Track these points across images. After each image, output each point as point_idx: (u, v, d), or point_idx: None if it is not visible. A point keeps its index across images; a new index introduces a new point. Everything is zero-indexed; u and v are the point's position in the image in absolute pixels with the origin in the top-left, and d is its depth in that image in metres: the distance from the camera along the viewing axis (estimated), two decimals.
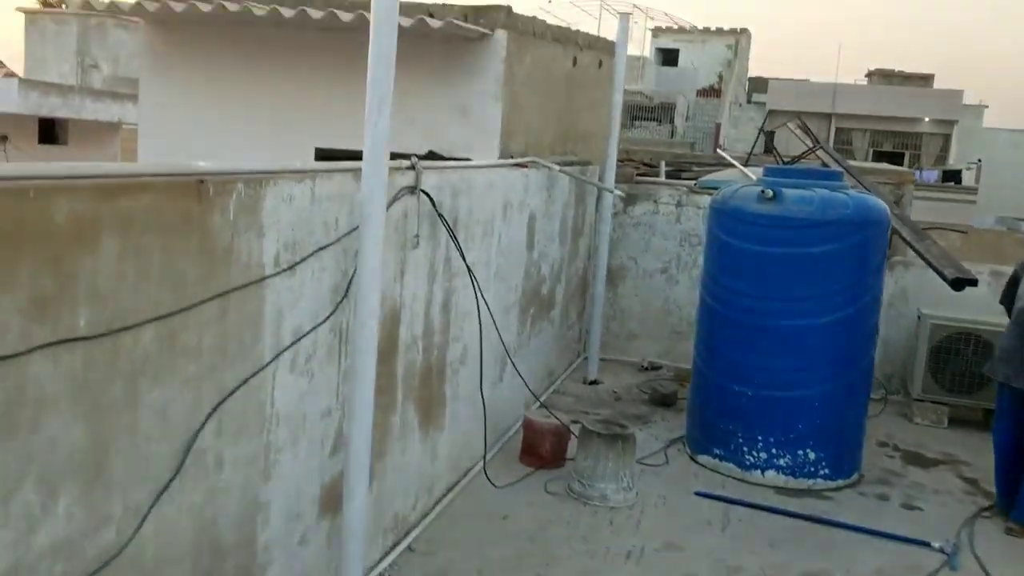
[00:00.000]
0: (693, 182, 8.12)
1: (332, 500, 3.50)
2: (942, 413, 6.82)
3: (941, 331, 6.78)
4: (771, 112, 34.42)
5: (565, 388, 7.13)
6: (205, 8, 5.23)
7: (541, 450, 5.39)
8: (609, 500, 4.91)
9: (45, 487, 2.05)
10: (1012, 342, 5.01)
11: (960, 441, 6.44)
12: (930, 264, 5.98)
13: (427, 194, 3.96)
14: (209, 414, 2.61)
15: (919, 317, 7.02)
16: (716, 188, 7.87)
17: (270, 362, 2.90)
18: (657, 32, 38.17)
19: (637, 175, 8.55)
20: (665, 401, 6.89)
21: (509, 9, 5.65)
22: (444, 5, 5.68)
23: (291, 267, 2.96)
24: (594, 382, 7.38)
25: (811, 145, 9.66)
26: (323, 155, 5.94)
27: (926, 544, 4.62)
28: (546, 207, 6.23)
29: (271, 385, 2.95)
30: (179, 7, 5.27)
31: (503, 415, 5.62)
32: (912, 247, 6.25)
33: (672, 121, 32.03)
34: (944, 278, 5.74)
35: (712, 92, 35.98)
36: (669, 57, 37.91)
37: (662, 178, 9.10)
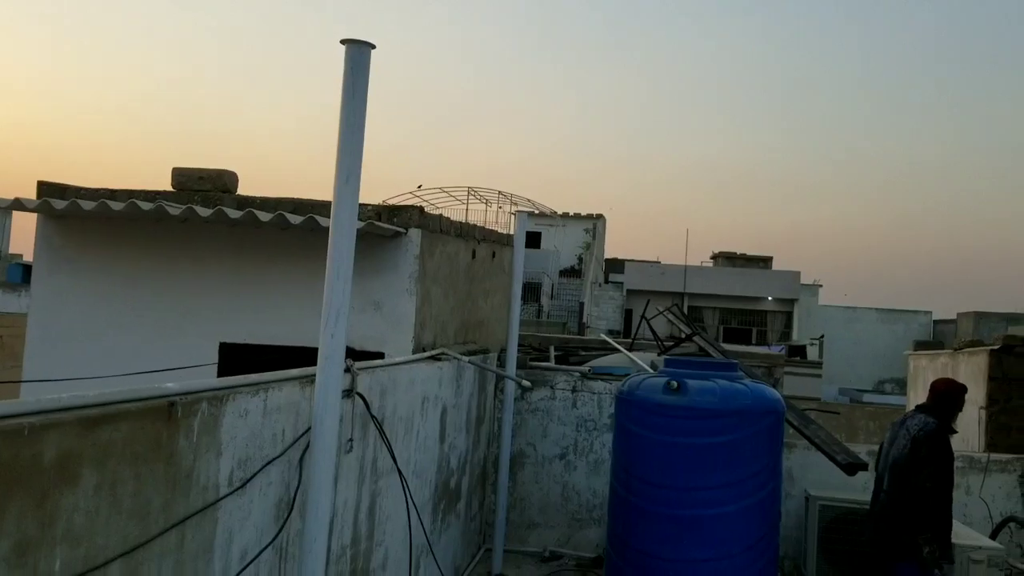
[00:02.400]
0: (586, 367, 8.37)
1: None
2: None
3: (829, 512, 7.06)
4: (629, 292, 36.33)
5: None
6: (117, 207, 5.18)
7: None
8: None
9: None
10: (870, 504, 5.59)
11: None
12: (821, 449, 6.32)
13: (362, 396, 3.94)
14: None
15: (807, 498, 7.31)
16: (609, 373, 8.17)
17: None
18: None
19: (529, 360, 8.75)
20: None
21: (421, 209, 5.88)
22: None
23: (243, 485, 2.86)
24: None
25: (687, 332, 10.22)
26: (228, 350, 5.82)
27: None
28: (455, 398, 6.26)
29: None
30: (89, 205, 5.20)
31: None
32: (801, 432, 6.61)
33: (538, 300, 33.13)
34: (837, 463, 6.07)
35: (573, 272, 37.70)
36: (532, 240, 39.67)
37: (552, 363, 9.35)
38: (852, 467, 6.02)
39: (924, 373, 12.09)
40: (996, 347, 9.40)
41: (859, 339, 38.32)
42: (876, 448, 7.96)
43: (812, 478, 7.56)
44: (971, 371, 9.58)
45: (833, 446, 6.21)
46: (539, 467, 8.12)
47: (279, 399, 3.11)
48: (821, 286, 41.36)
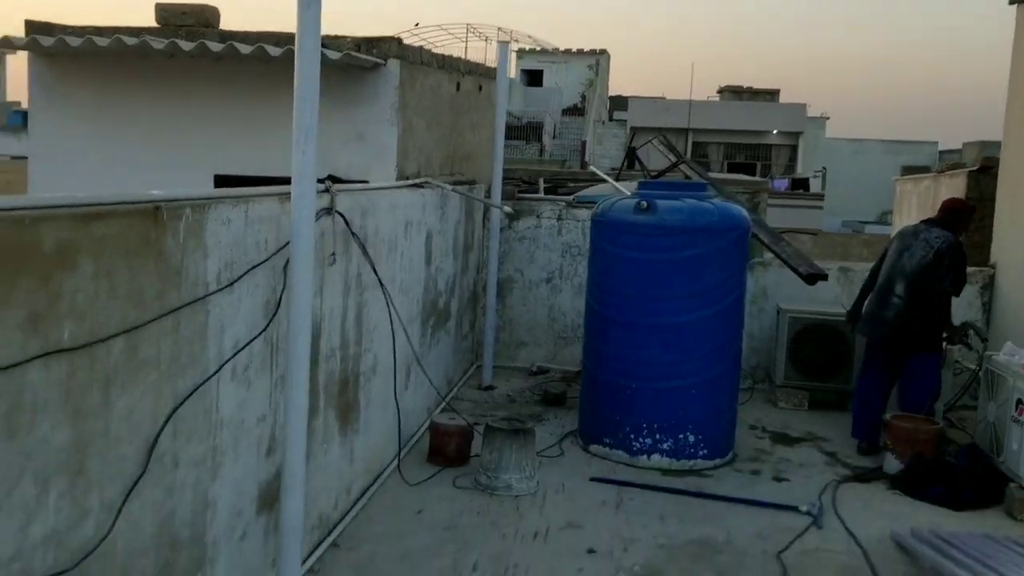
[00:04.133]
0: (571, 197, 8.69)
1: (268, 498, 3.77)
2: (802, 397, 7.59)
3: (798, 323, 7.55)
4: (633, 129, 36.11)
5: (462, 394, 7.52)
6: (102, 43, 5.38)
7: (447, 450, 5.76)
8: (513, 489, 5.33)
9: (40, 482, 2.30)
10: (872, 307, 6.38)
11: (819, 421, 7.20)
12: (786, 263, 6.72)
13: (342, 215, 4.29)
14: (167, 418, 2.88)
15: (778, 312, 7.79)
16: (593, 202, 8.47)
17: (216, 371, 3.18)
18: (521, 53, 39.23)
19: (518, 192, 9.07)
20: (556, 401, 7.38)
21: (399, 40, 6.04)
22: (336, 37, 6.01)
23: (230, 284, 3.25)
24: (489, 387, 7.81)
25: (674, 160, 10.44)
26: (222, 181, 6.14)
27: (794, 509, 5.25)
28: (440, 225, 6.63)
29: (216, 392, 3.22)
30: (76, 42, 5.39)
31: (410, 420, 5.96)
32: (769, 248, 6.99)
33: (540, 140, 33.02)
34: (799, 274, 6.48)
35: (576, 111, 37.31)
36: (534, 78, 39.07)
37: (541, 194, 9.67)
38: (812, 277, 6.44)
39: (909, 197, 12.37)
40: (975, 168, 9.63)
41: (864, 171, 38.20)
42: (846, 265, 8.36)
43: (784, 294, 8.01)
44: (950, 192, 9.83)
45: (797, 259, 6.60)
46: (526, 291, 8.59)
47: (260, 211, 3.46)
48: (828, 119, 40.91)
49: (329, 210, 4.17)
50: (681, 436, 5.91)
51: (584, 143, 32.07)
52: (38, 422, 2.27)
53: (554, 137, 33.79)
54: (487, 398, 7.53)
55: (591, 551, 4.62)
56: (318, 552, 4.38)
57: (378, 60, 5.89)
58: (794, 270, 6.57)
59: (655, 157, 12.44)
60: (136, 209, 2.67)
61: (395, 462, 5.57)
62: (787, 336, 7.58)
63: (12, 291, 2.15)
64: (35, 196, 2.25)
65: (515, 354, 8.58)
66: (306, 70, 3.41)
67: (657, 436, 5.91)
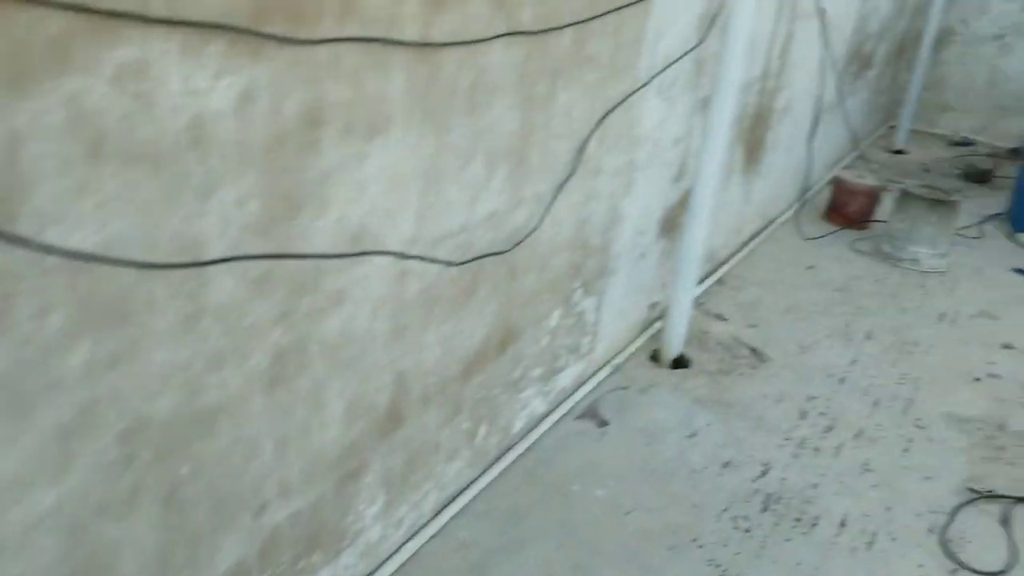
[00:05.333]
0: None
1: (668, 223, 3.74)
2: None
3: None
4: None
5: (870, 155, 6.86)
6: None
7: (849, 209, 5.33)
8: (921, 264, 4.84)
9: (488, 163, 2.37)
10: None
11: None
12: None
13: None
14: (599, 122, 2.83)
15: None
16: None
17: (646, 83, 3.04)
18: None
19: None
20: (981, 178, 6.47)
21: None
22: None
23: None
24: (900, 151, 7.03)
25: None
26: None
27: None
28: None
29: (641, 106, 3.11)
30: None
31: (813, 170, 5.56)
32: None
33: None
34: None
35: None
36: None
37: None
38: None
39: None
40: None
41: None
42: None
43: None
44: None
45: None
46: (967, 47, 7.37)
47: None
48: None
49: None
50: None
51: None
52: (495, 103, 2.30)
53: None
54: (897, 162, 6.80)
55: (1008, 346, 4.12)
56: (704, 285, 4.35)
57: None
58: None
59: None
60: None
61: (792, 211, 5.29)
62: None
63: None
64: None
65: (936, 119, 7.57)
66: None
67: None
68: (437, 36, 2.00)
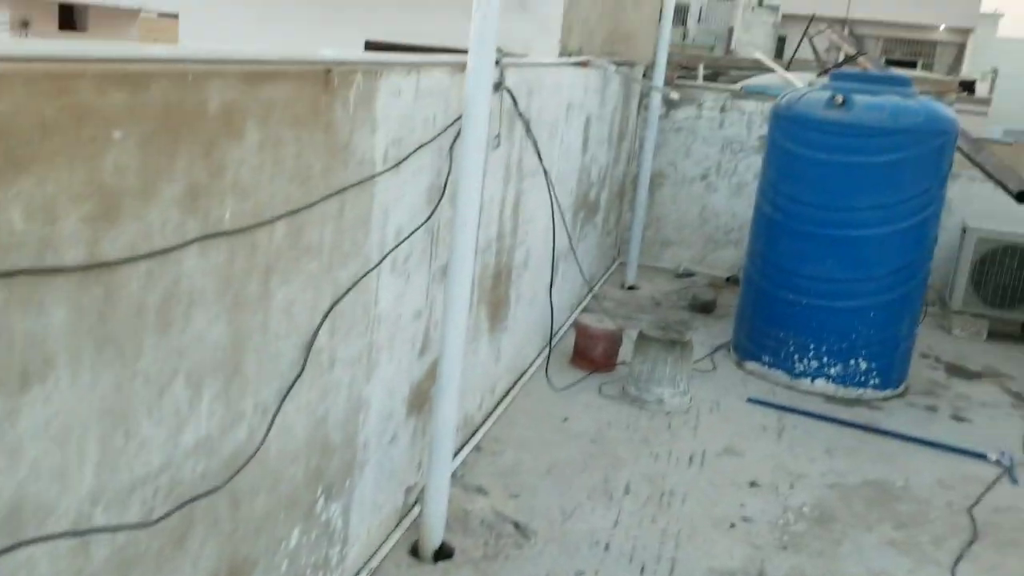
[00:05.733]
0: (738, 86, 7.92)
1: (418, 399, 3.50)
2: (981, 326, 6.85)
3: (985, 244, 6.73)
4: (784, 16, 33.61)
5: (605, 293, 7.11)
6: None
7: (594, 354, 5.40)
8: (665, 404, 4.94)
9: (193, 384, 2.01)
10: None
11: (1001, 354, 6.49)
12: (991, 176, 5.89)
13: (510, 92, 3.82)
14: (327, 312, 2.56)
15: (964, 230, 6.95)
16: (762, 93, 7.72)
17: (379, 262, 2.83)
18: None
19: (677, 78, 8.34)
20: (705, 308, 6.88)
21: None
22: None
23: (397, 164, 2.87)
24: (632, 287, 7.37)
25: (851, 49, 9.42)
26: (374, 47, 5.73)
27: (982, 456, 4.68)
28: (600, 109, 6.08)
29: (376, 285, 2.89)
30: None
31: (554, 319, 5.60)
32: (970, 158, 6.15)
33: (684, 23, 31.20)
34: (1008, 191, 5.67)
35: None
36: None
37: (700, 81, 8.91)
38: None
39: None
40: None
41: None
42: None
43: (972, 210, 7.16)
44: None
45: (1005, 173, 5.76)
46: (678, 187, 7.99)
47: (430, 83, 3.03)
48: (1002, 16, 37.10)
49: (498, 85, 3.70)
50: (852, 361, 5.35)
51: (731, 29, 30.15)
52: (194, 315, 1.97)
53: (699, 21, 31.92)
54: (630, 298, 7.10)
55: (754, 484, 4.21)
56: (461, 455, 4.13)
57: None
58: (1001, 185, 5.75)
59: (804, 49, 11.31)
60: (306, 71, 2.27)
61: (540, 362, 5.26)
62: (971, 257, 6.79)
63: (172, 160, 1.80)
64: (201, 47, 1.85)
65: (660, 254, 8.07)
66: None
67: (825, 359, 5.37)
68: (111, 253, 1.66)
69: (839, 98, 5.12)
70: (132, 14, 14.96)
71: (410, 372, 3.38)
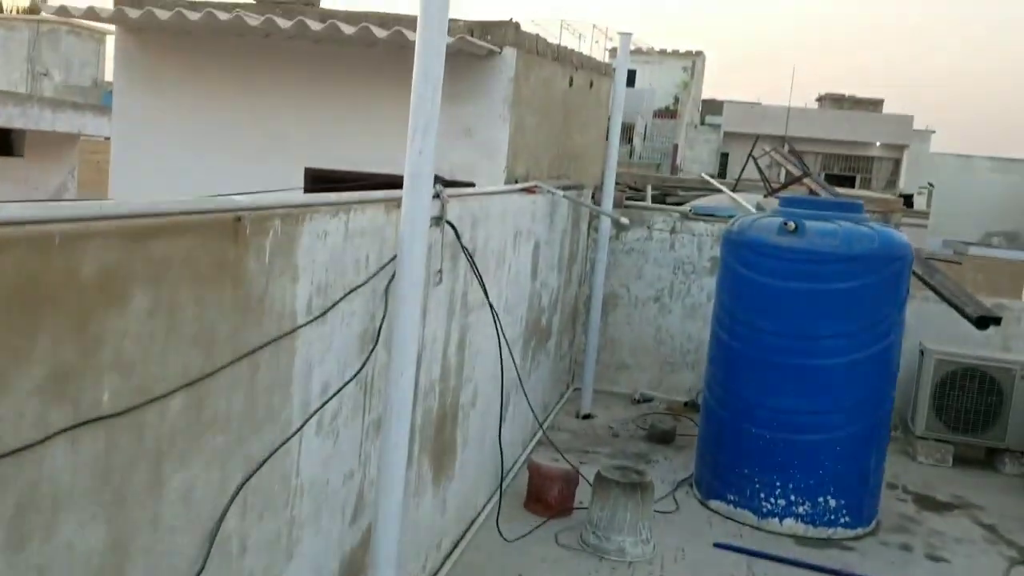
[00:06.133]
0: (688, 208, 7.87)
1: (351, 571, 3.10)
2: (946, 452, 6.64)
3: (945, 367, 6.59)
4: (726, 134, 34.76)
5: (559, 423, 6.79)
6: (193, 17, 4.80)
7: (549, 497, 5.03)
8: (627, 554, 4.57)
9: None
10: None
11: (968, 482, 6.25)
12: (948, 301, 5.79)
13: (452, 225, 3.60)
14: (235, 493, 2.21)
15: (922, 352, 6.83)
16: (711, 215, 7.67)
17: (301, 427, 2.51)
18: (614, 52, 38.19)
19: (626, 199, 8.29)
20: (664, 438, 6.58)
21: (517, 26, 5.33)
22: None
23: (323, 314, 2.58)
24: (588, 416, 7.06)
25: (796, 170, 9.52)
26: (315, 176, 5.53)
27: None
28: (548, 234, 5.90)
29: (297, 452, 2.55)
30: (164, 15, 4.83)
31: (505, 458, 5.26)
32: (926, 283, 6.07)
33: (630, 141, 32.03)
34: (967, 317, 5.55)
35: (668, 113, 36.12)
36: (627, 78, 38.00)
37: (648, 202, 8.88)
38: (983, 321, 5.51)
39: None
40: None
41: (970, 190, 36.02)
42: (1000, 301, 7.33)
43: (928, 331, 7.05)
44: None
45: (962, 297, 5.66)
46: (632, 309, 7.81)
47: (362, 222, 2.78)
48: (934, 132, 38.82)
49: (439, 219, 3.48)
50: (821, 499, 5.06)
51: (676, 147, 31.00)
52: (60, 522, 1.62)
53: (644, 139, 32.82)
54: (586, 429, 6.78)
55: None
56: None
57: (493, 48, 5.19)
58: (959, 311, 5.65)
59: (746, 166, 11.44)
60: (211, 221, 2.00)
61: (490, 508, 4.88)
62: (932, 381, 6.63)
63: (31, 341, 1.49)
64: (71, 204, 1.57)
65: (615, 378, 7.80)
66: (429, 48, 2.73)
67: (792, 497, 5.07)
68: None
69: (791, 224, 5.00)
70: (72, 139, 14.73)
71: (340, 544, 3.00)
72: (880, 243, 5.01)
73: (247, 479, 2.25)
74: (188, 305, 1.91)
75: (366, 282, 2.86)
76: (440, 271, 3.63)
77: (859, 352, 4.99)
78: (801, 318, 5.02)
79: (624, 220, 6.41)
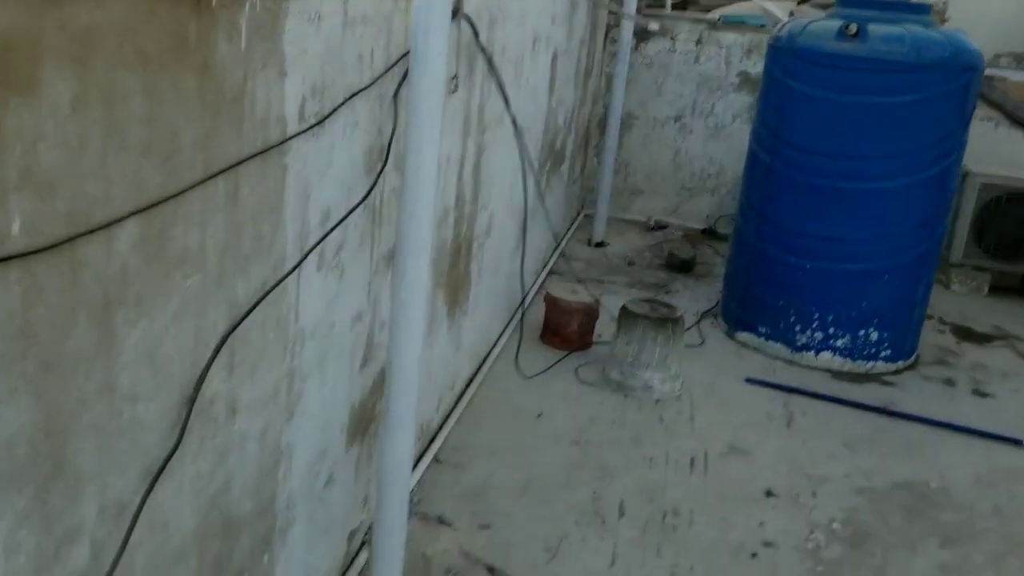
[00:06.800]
0: (715, 16, 7.08)
1: (362, 422, 2.72)
2: (983, 280, 6.26)
3: (990, 191, 6.09)
4: None
5: (571, 251, 6.34)
6: None
7: (567, 331, 4.65)
8: (654, 391, 4.23)
9: None
10: None
11: (1006, 312, 5.90)
12: (1012, 117, 5.21)
13: (470, 20, 2.97)
14: (219, 346, 1.74)
15: (964, 175, 6.29)
16: (742, 22, 6.91)
17: (300, 262, 2.01)
18: None
19: (645, 6, 7.47)
20: (684, 267, 6.16)
21: None
22: None
23: (320, 122, 2.03)
24: (601, 244, 6.61)
25: None
26: None
27: (1018, 443, 4.08)
28: (567, 42, 5.22)
29: (295, 292, 2.07)
30: None
31: (523, 288, 4.83)
32: (985, 97, 5.46)
33: None
34: None
35: None
36: None
37: (667, 10, 8.05)
38: None
39: None
40: None
41: (981, 8, 34.18)
42: None
43: (971, 151, 6.49)
44: None
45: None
46: (648, 130, 7.20)
47: (364, 5, 2.18)
48: None
49: (456, 11, 2.85)
50: (862, 332, 4.69)
51: None
52: None
53: None
54: (599, 257, 6.34)
55: (770, 494, 3.54)
56: (418, 472, 3.36)
57: None
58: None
59: None
60: None
61: (505, 342, 4.51)
62: (973, 206, 6.15)
63: None
64: None
65: (628, 203, 7.29)
66: None
67: (831, 330, 4.70)
68: None
69: (852, 28, 4.34)
70: None
71: (350, 392, 2.59)
72: (952, 51, 4.37)
73: (233, 328, 1.78)
74: (133, 98, 1.36)
75: (372, 84, 2.29)
76: (455, 77, 3.03)
77: (918, 174, 4.47)
78: (856, 136, 4.46)
79: (654, 26, 5.70)
